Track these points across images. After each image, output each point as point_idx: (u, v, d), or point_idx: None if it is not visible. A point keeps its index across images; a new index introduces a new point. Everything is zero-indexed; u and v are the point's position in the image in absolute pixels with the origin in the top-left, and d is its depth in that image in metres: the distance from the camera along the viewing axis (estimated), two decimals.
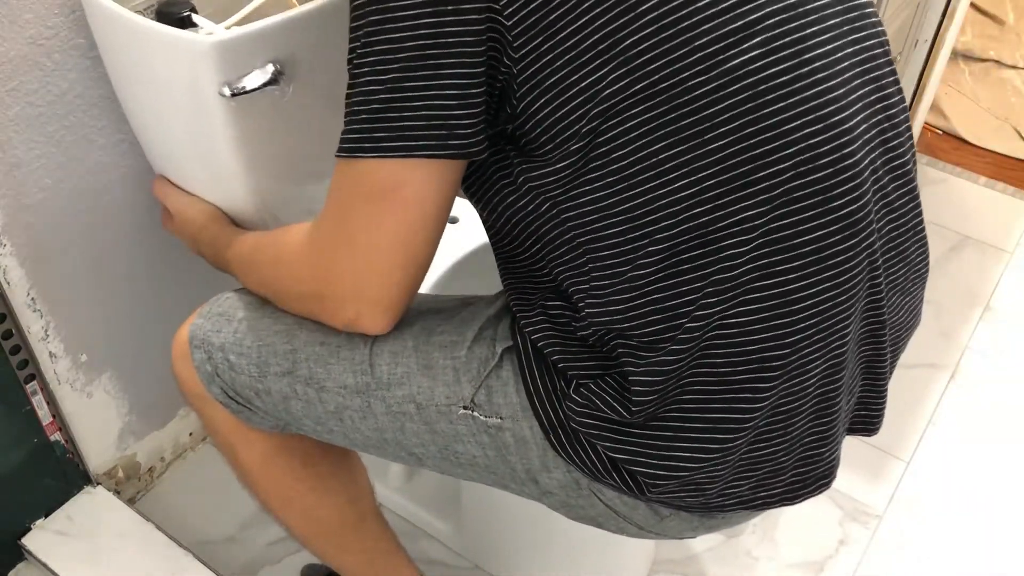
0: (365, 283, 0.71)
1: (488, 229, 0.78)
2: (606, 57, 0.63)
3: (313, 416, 0.83)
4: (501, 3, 0.62)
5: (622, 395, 0.70)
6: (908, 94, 2.03)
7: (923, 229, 0.78)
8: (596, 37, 0.62)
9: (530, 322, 0.74)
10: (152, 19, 0.95)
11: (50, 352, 1.16)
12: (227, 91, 0.85)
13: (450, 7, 0.62)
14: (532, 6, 0.62)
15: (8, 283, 1.07)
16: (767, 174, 0.65)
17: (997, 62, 2.30)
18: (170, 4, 0.94)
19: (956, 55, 2.29)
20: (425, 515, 1.33)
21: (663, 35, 0.62)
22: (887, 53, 0.73)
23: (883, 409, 0.81)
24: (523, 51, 0.64)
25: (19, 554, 1.25)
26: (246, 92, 0.86)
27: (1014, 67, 2.29)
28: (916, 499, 1.42)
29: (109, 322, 1.21)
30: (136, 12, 0.93)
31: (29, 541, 1.23)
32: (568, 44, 0.63)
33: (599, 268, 0.68)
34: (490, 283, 0.89)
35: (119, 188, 1.13)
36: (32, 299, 1.10)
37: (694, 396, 0.69)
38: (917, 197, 0.77)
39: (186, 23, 0.93)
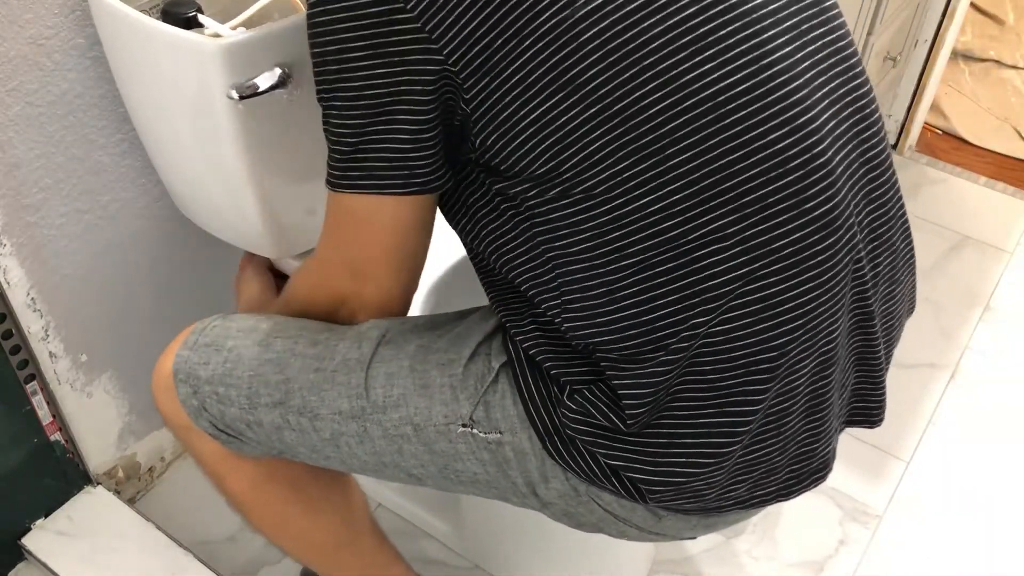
0: (364, 286, 0.79)
1: (467, 248, 0.80)
2: (554, 87, 0.63)
3: (308, 445, 0.82)
4: (445, 52, 0.64)
5: (616, 403, 0.70)
6: (908, 94, 2.03)
7: (905, 216, 0.78)
8: (542, 70, 0.63)
9: (521, 331, 0.75)
10: (158, 17, 0.95)
11: (50, 352, 1.16)
12: (234, 94, 0.85)
13: (400, 66, 0.65)
14: (476, 50, 0.63)
15: (8, 283, 1.07)
16: (736, 183, 0.65)
17: (997, 62, 2.30)
18: (176, 4, 0.94)
19: (956, 55, 2.29)
20: (425, 515, 1.33)
21: (609, 59, 0.62)
22: (852, 44, 0.73)
23: (882, 400, 0.81)
24: (472, 92, 0.65)
25: (19, 554, 1.25)
26: (253, 95, 0.86)
27: (1014, 67, 2.29)
28: (916, 499, 1.42)
29: (109, 322, 1.22)
30: (143, 10, 0.93)
31: (29, 541, 1.23)
32: (514, 80, 0.64)
33: (568, 283, 0.69)
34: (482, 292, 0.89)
35: (119, 188, 1.13)
36: (32, 299, 1.10)
37: (685, 405, 0.69)
38: (896, 185, 0.76)
39: (192, 23, 0.93)
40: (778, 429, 0.72)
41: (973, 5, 2.31)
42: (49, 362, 1.16)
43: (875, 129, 0.74)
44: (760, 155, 0.65)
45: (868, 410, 0.81)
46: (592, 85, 0.63)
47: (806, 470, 0.77)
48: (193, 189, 1.07)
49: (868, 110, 0.73)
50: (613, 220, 0.66)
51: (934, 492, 1.43)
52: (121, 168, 1.12)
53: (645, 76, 0.63)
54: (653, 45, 0.63)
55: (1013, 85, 2.27)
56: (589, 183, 0.65)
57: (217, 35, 0.90)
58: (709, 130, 0.64)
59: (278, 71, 0.87)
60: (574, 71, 0.63)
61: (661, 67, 0.63)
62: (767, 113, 0.65)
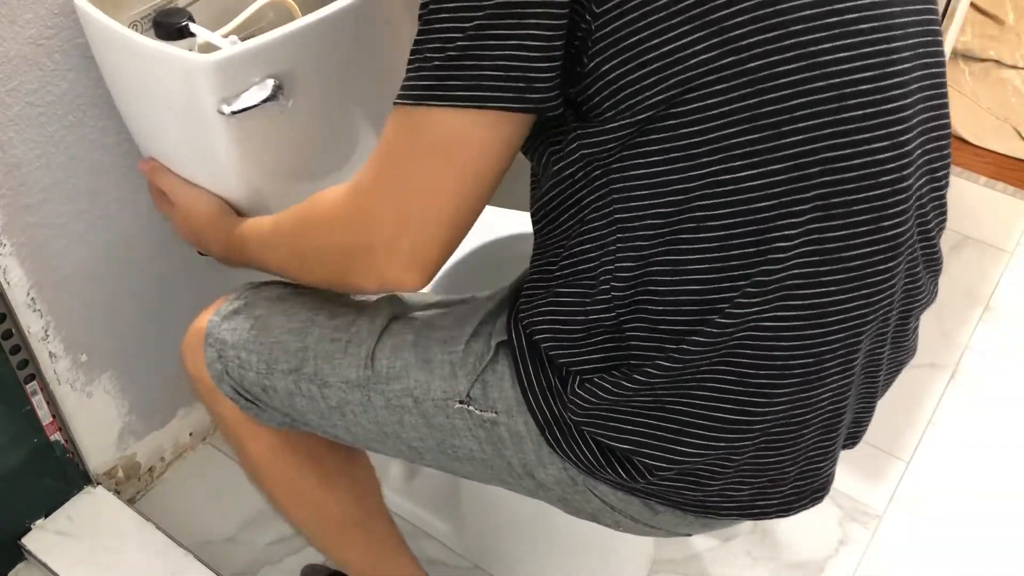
0: (406, 236, 0.67)
1: (532, 198, 0.75)
2: (697, 24, 0.59)
3: (317, 412, 0.84)
4: None
5: (629, 379, 0.68)
6: None
7: (940, 260, 0.77)
8: (690, 1, 0.59)
9: (536, 309, 0.72)
10: (149, 27, 0.95)
11: (50, 352, 1.16)
12: (226, 109, 0.85)
13: None
14: None
15: (8, 283, 1.07)
16: (831, 180, 0.63)
17: (997, 62, 2.30)
18: (167, 14, 0.94)
19: (956, 55, 2.29)
20: (425, 515, 1.33)
21: (760, 12, 0.59)
22: (946, 83, 0.72)
23: (868, 424, 0.81)
24: (606, 6, 0.60)
25: (19, 554, 1.25)
26: (245, 109, 0.86)
27: (1014, 67, 2.29)
28: (916, 499, 1.42)
29: (109, 322, 1.21)
30: (134, 22, 0.92)
31: (29, 541, 1.23)
32: (657, 4, 0.59)
33: (628, 248, 0.66)
34: (491, 284, 0.89)
35: (119, 188, 1.13)
36: (32, 299, 1.10)
37: (708, 395, 0.68)
38: (944, 227, 0.76)
39: (184, 33, 0.93)
40: (795, 439, 0.72)
41: (973, 5, 2.31)
42: (49, 362, 1.16)
43: (946, 170, 0.73)
44: (860, 160, 0.64)
45: (857, 433, 0.82)
46: (736, 33, 0.59)
47: (808, 488, 0.77)
48: None
49: (945, 151, 0.73)
50: (704, 187, 0.63)
51: (934, 492, 1.43)
52: (121, 168, 1.12)
53: (787, 43, 0.60)
54: (803, 13, 0.60)
55: (1013, 85, 2.26)
56: (692, 140, 0.62)
57: (209, 44, 0.90)
58: (827, 119, 0.62)
59: (270, 83, 0.87)
60: (722, 12, 0.59)
61: (803, 39, 0.61)
62: (878, 120, 0.64)
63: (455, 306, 0.83)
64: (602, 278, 0.68)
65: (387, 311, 0.83)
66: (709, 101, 0.61)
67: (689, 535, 0.86)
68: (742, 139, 0.61)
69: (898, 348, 0.78)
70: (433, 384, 0.78)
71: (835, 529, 1.38)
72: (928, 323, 1.73)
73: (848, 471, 1.43)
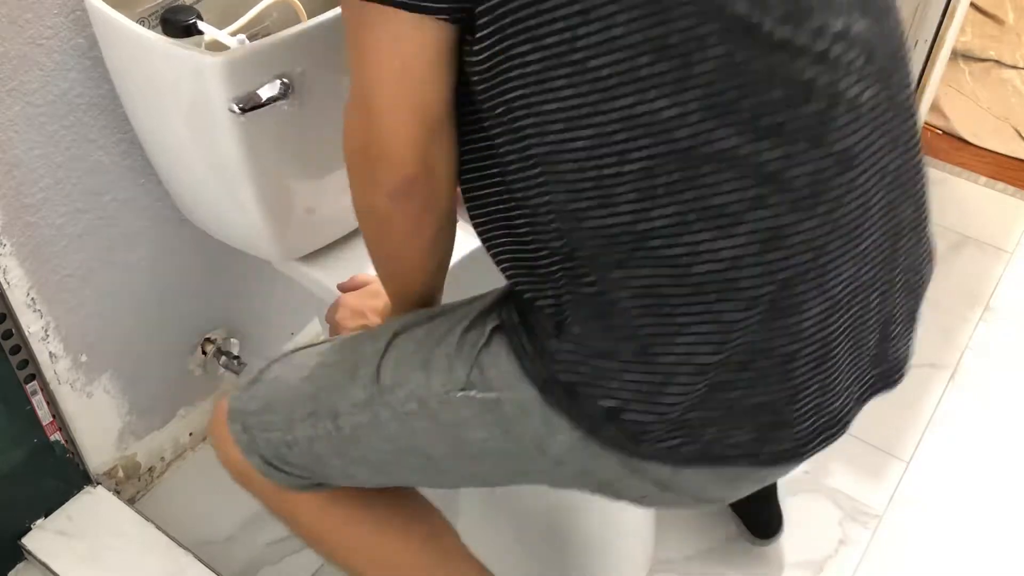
0: (376, 131, 0.70)
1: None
2: None
3: (336, 450, 0.84)
4: None
5: (599, 318, 0.69)
6: None
7: (923, 165, 0.76)
8: None
9: (497, 244, 0.74)
10: (156, 24, 0.95)
11: (50, 352, 1.16)
12: (236, 108, 0.85)
13: None
14: None
15: (8, 283, 1.07)
16: (754, 103, 0.62)
17: (997, 62, 2.30)
18: (176, 12, 0.95)
19: (956, 55, 2.29)
20: None
21: None
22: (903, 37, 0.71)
23: (905, 353, 0.79)
24: None
25: (19, 554, 1.25)
26: (255, 108, 0.86)
27: (1014, 67, 2.29)
28: (916, 499, 1.42)
29: (109, 322, 1.22)
30: (142, 18, 0.93)
31: (29, 541, 1.23)
32: None
33: (555, 180, 0.66)
34: (490, 285, 0.89)
35: (119, 188, 1.13)
36: (32, 299, 1.10)
37: (684, 337, 0.67)
38: (919, 144, 0.74)
39: (191, 31, 0.93)
40: (784, 375, 0.70)
41: (973, 5, 2.31)
42: (49, 362, 1.16)
43: (908, 83, 0.72)
44: (784, 78, 0.63)
45: (888, 373, 0.79)
46: None
47: (816, 426, 0.74)
48: (194, 192, 1.07)
49: (904, 65, 0.71)
50: (622, 119, 0.62)
51: (934, 492, 1.43)
52: (121, 168, 1.12)
53: None
54: None
55: (1013, 85, 2.26)
56: (603, 70, 0.61)
57: (216, 42, 0.90)
58: (738, 43, 0.61)
59: (279, 83, 0.87)
60: None
61: None
62: (799, 42, 0.62)
63: (451, 311, 0.83)
64: (544, 210, 0.69)
65: (390, 329, 0.83)
66: (613, 31, 0.61)
67: (722, 499, 0.84)
68: (652, 69, 0.61)
69: (910, 269, 0.76)
70: (433, 380, 0.78)
71: (835, 529, 1.38)
72: (928, 323, 1.73)
73: (848, 471, 1.43)
